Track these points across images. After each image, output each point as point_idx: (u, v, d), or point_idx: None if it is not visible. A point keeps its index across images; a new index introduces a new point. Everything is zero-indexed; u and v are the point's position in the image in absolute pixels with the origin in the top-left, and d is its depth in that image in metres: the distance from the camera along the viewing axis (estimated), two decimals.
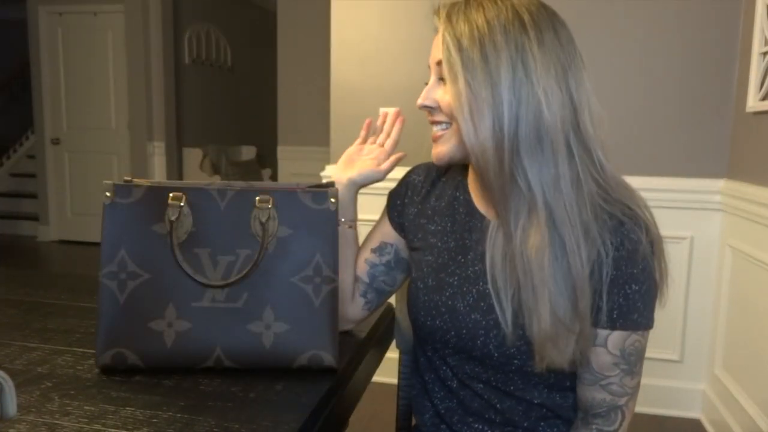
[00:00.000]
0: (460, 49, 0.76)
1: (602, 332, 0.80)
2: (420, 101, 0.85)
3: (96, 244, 5.39)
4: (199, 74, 5.89)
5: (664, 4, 2.09)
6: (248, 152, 6.36)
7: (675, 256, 2.16)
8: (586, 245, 0.76)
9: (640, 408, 2.22)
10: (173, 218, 0.79)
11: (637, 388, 0.84)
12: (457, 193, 0.92)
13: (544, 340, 0.77)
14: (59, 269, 4.86)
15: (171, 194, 0.80)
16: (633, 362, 0.81)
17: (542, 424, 0.88)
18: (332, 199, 0.83)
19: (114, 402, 0.72)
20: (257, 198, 0.81)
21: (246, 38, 6.56)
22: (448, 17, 0.79)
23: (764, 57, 1.88)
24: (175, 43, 5.43)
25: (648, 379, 2.21)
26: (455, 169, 0.95)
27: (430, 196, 0.95)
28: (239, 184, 0.82)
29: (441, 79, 0.83)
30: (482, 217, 0.87)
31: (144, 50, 5.12)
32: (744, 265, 1.94)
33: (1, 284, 1.23)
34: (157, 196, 0.81)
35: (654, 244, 0.79)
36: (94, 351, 0.80)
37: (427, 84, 0.86)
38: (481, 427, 0.89)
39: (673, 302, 2.18)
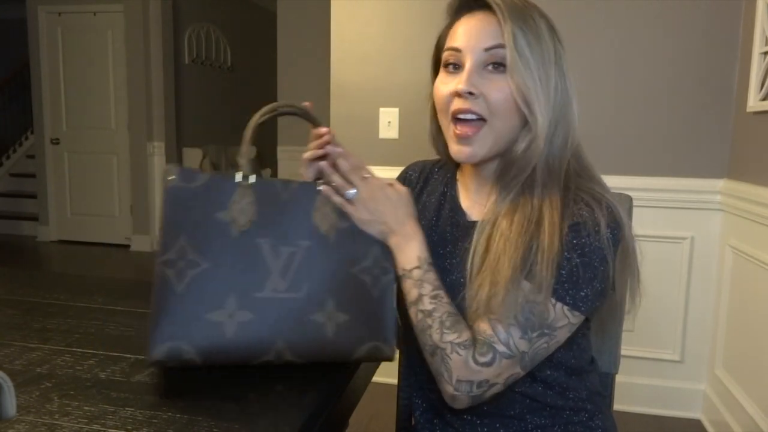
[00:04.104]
0: (527, 40, 0.80)
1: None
2: (463, 87, 0.80)
3: (95, 244, 5.39)
4: (199, 74, 5.89)
5: (666, 4, 2.09)
6: (248, 152, 6.35)
7: (675, 256, 2.16)
8: (559, 228, 0.78)
9: (641, 408, 2.22)
10: (237, 206, 0.79)
11: (523, 356, 0.77)
12: (445, 189, 0.96)
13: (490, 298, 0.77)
14: (59, 269, 4.85)
15: (237, 182, 0.80)
16: (529, 320, 0.76)
17: (528, 415, 0.88)
18: None
19: (113, 402, 0.72)
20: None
21: (246, 38, 6.56)
22: (506, 6, 0.81)
23: (765, 57, 1.87)
24: (175, 43, 5.42)
25: (648, 379, 2.23)
26: (447, 166, 0.98)
27: (422, 193, 0.99)
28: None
29: (495, 64, 0.81)
30: (464, 214, 0.91)
31: (144, 50, 5.11)
32: (744, 265, 1.94)
33: (1, 284, 1.22)
34: (221, 183, 0.80)
35: (619, 232, 0.79)
36: (93, 351, 0.79)
37: (435, 77, 0.87)
38: (470, 418, 0.89)
39: (673, 302, 2.18)
